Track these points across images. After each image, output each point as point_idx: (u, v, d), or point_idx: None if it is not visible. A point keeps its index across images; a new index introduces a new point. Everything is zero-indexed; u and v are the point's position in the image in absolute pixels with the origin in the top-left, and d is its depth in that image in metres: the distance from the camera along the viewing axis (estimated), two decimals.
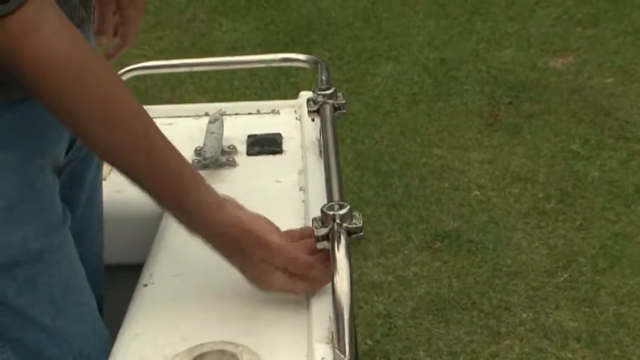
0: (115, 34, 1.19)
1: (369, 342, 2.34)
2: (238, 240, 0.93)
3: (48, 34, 0.82)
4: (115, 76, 0.91)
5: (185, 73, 3.54)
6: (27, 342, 0.98)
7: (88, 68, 0.86)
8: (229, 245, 0.94)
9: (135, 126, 0.89)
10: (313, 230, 0.94)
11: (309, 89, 1.36)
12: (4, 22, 0.78)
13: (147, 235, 1.18)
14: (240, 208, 0.95)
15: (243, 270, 0.96)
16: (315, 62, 1.40)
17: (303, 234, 0.99)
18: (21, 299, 0.96)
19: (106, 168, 1.35)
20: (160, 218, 1.21)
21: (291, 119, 1.49)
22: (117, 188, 1.30)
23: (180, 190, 0.92)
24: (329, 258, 0.91)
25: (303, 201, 1.20)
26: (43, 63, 0.82)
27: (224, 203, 0.94)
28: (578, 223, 2.79)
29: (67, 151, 1.05)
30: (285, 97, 1.61)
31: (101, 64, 0.88)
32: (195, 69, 1.60)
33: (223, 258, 0.96)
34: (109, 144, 0.89)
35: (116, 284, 1.20)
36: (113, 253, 1.28)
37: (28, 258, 0.95)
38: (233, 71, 3.77)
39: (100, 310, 1.24)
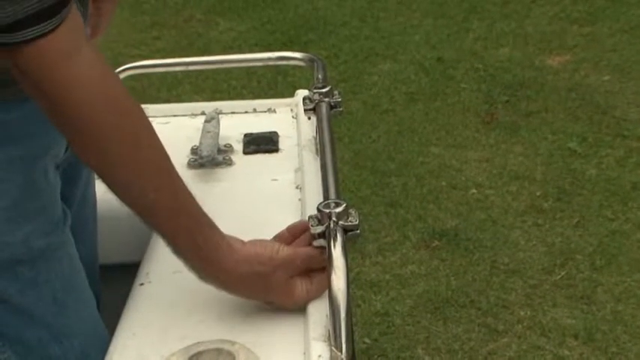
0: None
1: (367, 340, 2.34)
2: (258, 272, 0.92)
3: (85, 63, 0.80)
4: (144, 116, 0.88)
5: (182, 72, 3.54)
6: (28, 340, 0.99)
7: (119, 103, 0.84)
8: (250, 282, 0.92)
9: (161, 167, 0.87)
10: (309, 227, 0.94)
11: (306, 88, 1.36)
12: (42, 43, 0.76)
13: (143, 234, 1.17)
14: (242, 242, 0.93)
15: (269, 299, 0.95)
16: (312, 60, 1.40)
17: (303, 227, 0.98)
18: (23, 297, 0.96)
19: None
20: None
21: (288, 118, 1.49)
22: None
23: (200, 235, 0.89)
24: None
25: (299, 199, 1.20)
26: (77, 90, 0.80)
27: (234, 244, 0.92)
28: (575, 220, 2.79)
29: (66, 149, 1.05)
30: (282, 96, 1.60)
31: (132, 100, 0.86)
32: (191, 68, 1.60)
33: (244, 298, 0.95)
34: (134, 184, 0.86)
35: (113, 283, 1.20)
36: (109, 252, 1.28)
37: (30, 256, 0.96)
38: (230, 70, 3.77)
39: (97, 309, 1.24)
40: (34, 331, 0.99)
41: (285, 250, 0.93)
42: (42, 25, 0.75)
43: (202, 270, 0.91)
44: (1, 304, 0.96)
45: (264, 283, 0.92)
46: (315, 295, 0.95)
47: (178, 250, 0.90)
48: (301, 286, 0.94)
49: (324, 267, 0.91)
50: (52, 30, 0.76)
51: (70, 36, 0.78)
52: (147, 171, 0.86)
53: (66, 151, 1.05)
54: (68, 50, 0.78)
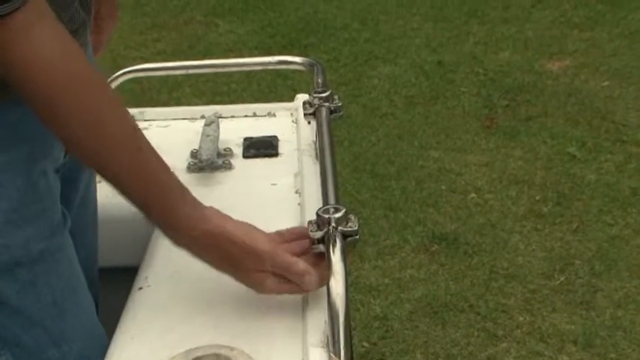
0: None
1: (366, 345, 2.34)
2: (227, 251, 0.93)
3: (42, 40, 0.81)
4: (108, 91, 0.90)
5: (182, 75, 3.54)
6: (26, 343, 0.98)
7: (79, 79, 0.85)
8: (218, 257, 0.94)
9: (126, 141, 0.89)
10: (308, 233, 0.94)
11: (306, 92, 1.36)
12: (3, 22, 0.78)
13: (142, 238, 1.17)
14: (225, 218, 0.94)
15: (236, 278, 0.96)
16: (312, 65, 1.40)
17: (293, 234, 0.98)
18: (22, 300, 0.96)
19: None
20: None
21: (288, 122, 1.49)
22: (113, 191, 1.30)
23: (169, 206, 0.91)
24: (323, 260, 0.91)
25: (298, 204, 1.20)
26: (34, 68, 0.81)
27: (210, 215, 0.93)
28: (574, 225, 2.79)
29: (66, 152, 1.05)
30: (282, 100, 1.60)
31: (95, 77, 0.87)
32: (191, 71, 1.59)
33: (214, 267, 0.96)
34: (100, 158, 0.88)
35: (111, 287, 1.20)
36: (108, 255, 1.28)
37: (30, 259, 0.96)
38: (230, 74, 3.77)
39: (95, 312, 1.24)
40: (33, 334, 0.98)
41: (266, 245, 0.93)
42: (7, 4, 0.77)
43: (173, 239, 0.94)
44: (0, 306, 0.96)
45: (232, 263, 0.93)
46: (287, 291, 0.95)
47: (150, 219, 0.93)
48: (271, 280, 0.94)
49: (303, 283, 0.93)
50: (18, 8, 0.78)
51: (31, 14, 0.79)
52: (112, 144, 0.88)
53: (66, 154, 1.04)
54: (30, 27, 0.79)
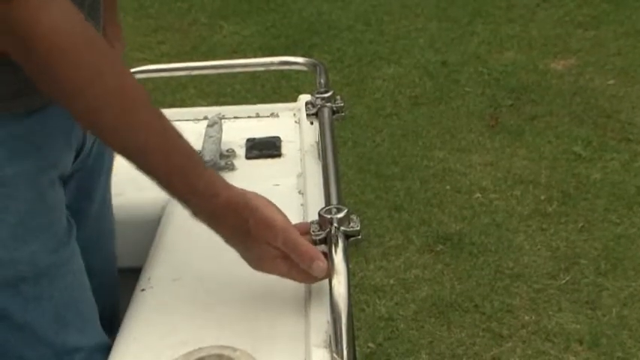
0: None
1: (372, 345, 2.34)
2: (244, 219, 0.91)
3: (63, 9, 0.80)
4: (123, 61, 0.90)
5: (186, 76, 3.54)
6: (29, 358, 0.97)
7: (98, 43, 0.85)
8: (233, 226, 0.92)
9: (147, 107, 0.88)
10: (311, 233, 0.94)
11: (309, 92, 1.36)
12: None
13: (145, 239, 1.17)
14: (244, 189, 0.93)
15: (245, 250, 0.94)
16: (314, 65, 1.40)
17: (303, 229, 0.96)
18: (26, 314, 0.95)
19: None
20: (158, 222, 1.21)
21: (290, 122, 1.49)
22: (116, 192, 1.30)
23: (192, 172, 0.90)
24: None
25: (301, 204, 1.20)
26: (61, 34, 0.80)
27: (229, 184, 0.92)
28: (580, 225, 2.79)
29: (74, 161, 1.04)
30: (286, 101, 1.60)
31: (106, 44, 0.87)
32: (195, 72, 1.60)
33: (225, 239, 0.93)
34: (122, 123, 0.86)
35: None
36: None
37: (35, 273, 0.95)
38: (234, 75, 3.77)
39: (115, 317, 1.23)
40: (36, 349, 0.97)
41: (282, 221, 0.92)
42: None
43: (195, 206, 0.91)
44: (3, 321, 0.95)
45: (245, 232, 0.91)
46: (287, 274, 0.94)
47: (171, 187, 0.90)
48: (277, 259, 0.92)
49: (310, 269, 0.92)
50: None
51: None
52: (134, 110, 0.87)
53: (73, 163, 1.03)
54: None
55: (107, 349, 1.03)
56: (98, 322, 1.07)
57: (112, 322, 1.19)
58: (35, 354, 0.98)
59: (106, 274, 1.22)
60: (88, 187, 1.12)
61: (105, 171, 1.17)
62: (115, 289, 1.24)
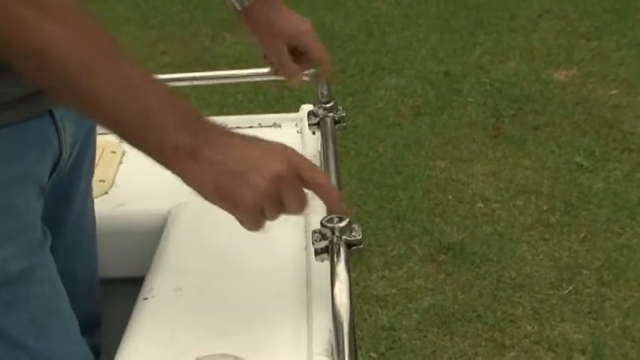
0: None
1: (374, 355, 2.33)
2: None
3: None
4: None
5: (189, 87, 3.55)
6: None
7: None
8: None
9: (87, 22, 0.79)
10: (313, 243, 0.94)
11: (312, 102, 1.36)
12: None
13: (148, 248, 1.18)
14: (224, 147, 0.83)
15: (239, 184, 0.84)
16: (316, 75, 1.40)
17: None
18: (2, 321, 0.95)
19: (108, 182, 1.35)
20: (160, 233, 1.21)
21: (293, 132, 1.49)
22: (118, 202, 1.31)
23: (148, 128, 0.80)
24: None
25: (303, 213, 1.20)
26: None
27: (200, 148, 0.81)
28: (582, 235, 2.78)
29: (52, 173, 1.02)
30: (288, 111, 1.61)
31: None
32: (197, 83, 1.60)
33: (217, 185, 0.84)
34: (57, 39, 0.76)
35: (117, 298, 1.20)
36: (114, 266, 1.28)
37: (8, 279, 0.94)
38: (236, 85, 3.78)
39: (98, 326, 1.24)
40: (15, 355, 0.97)
41: (280, 147, 0.85)
42: None
43: (189, 141, 0.82)
44: None
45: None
46: (254, 225, 0.86)
47: (160, 129, 0.80)
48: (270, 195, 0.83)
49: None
50: None
51: None
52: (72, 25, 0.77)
53: (52, 174, 1.02)
54: None
55: (87, 357, 1.03)
56: (78, 331, 1.06)
57: (93, 326, 1.19)
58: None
59: (88, 279, 1.22)
60: (67, 193, 1.12)
61: (84, 175, 1.16)
62: (96, 297, 1.24)
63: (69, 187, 1.12)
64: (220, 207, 0.84)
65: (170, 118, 0.81)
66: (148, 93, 0.81)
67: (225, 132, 0.85)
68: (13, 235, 0.94)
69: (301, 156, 0.88)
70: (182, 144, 0.81)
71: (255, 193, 0.83)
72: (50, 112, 0.97)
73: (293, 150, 0.87)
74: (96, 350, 1.10)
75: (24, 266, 0.95)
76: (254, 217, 0.85)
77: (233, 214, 0.85)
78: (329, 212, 0.96)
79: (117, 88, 0.78)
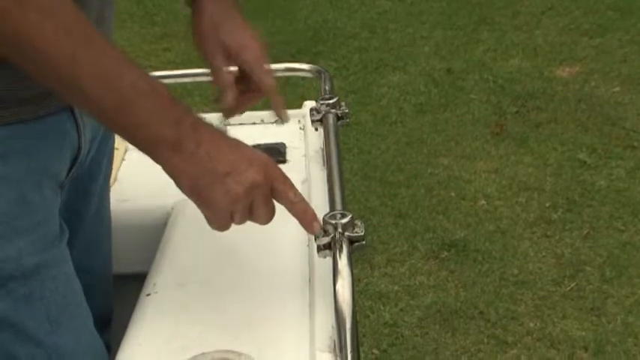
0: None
1: (376, 351, 2.34)
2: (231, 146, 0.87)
3: None
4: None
5: (192, 83, 3.55)
6: (20, 358, 0.97)
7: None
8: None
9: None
10: (315, 239, 0.94)
11: (314, 99, 1.36)
12: None
13: (151, 244, 1.18)
14: (210, 144, 0.84)
15: (215, 179, 0.86)
16: (319, 72, 1.40)
17: None
18: (16, 314, 0.95)
19: (111, 178, 1.35)
20: (163, 228, 1.21)
21: (295, 129, 1.49)
22: (122, 197, 1.31)
23: (128, 117, 0.80)
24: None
25: None
26: None
27: (185, 140, 0.82)
28: (585, 232, 2.78)
29: (71, 168, 1.03)
30: (291, 107, 1.60)
31: None
32: (200, 79, 1.60)
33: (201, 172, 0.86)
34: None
35: (119, 293, 1.21)
36: (116, 262, 1.28)
37: (23, 273, 0.94)
38: None
39: (109, 322, 1.24)
40: (27, 349, 0.97)
41: (261, 157, 0.88)
42: None
43: (176, 134, 0.83)
44: None
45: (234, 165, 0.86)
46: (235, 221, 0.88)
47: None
48: (232, 199, 0.85)
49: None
50: None
51: None
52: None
53: (70, 170, 1.03)
54: None
55: (102, 353, 1.03)
56: (92, 327, 1.06)
57: (106, 323, 1.19)
58: (27, 355, 0.97)
59: (104, 276, 1.22)
60: (86, 189, 1.12)
61: (103, 174, 1.16)
62: (109, 293, 1.24)
63: (88, 183, 1.12)
64: (191, 200, 0.87)
65: (150, 105, 0.81)
66: (127, 81, 0.80)
67: (210, 127, 0.87)
68: (28, 230, 0.95)
69: (280, 171, 0.91)
70: (164, 134, 0.82)
71: (230, 197, 0.85)
72: (70, 108, 0.98)
73: (274, 164, 0.90)
74: (108, 347, 1.10)
75: (39, 261, 0.96)
76: (223, 219, 0.88)
77: (202, 212, 0.88)
78: (332, 209, 0.97)
79: (95, 77, 0.79)
